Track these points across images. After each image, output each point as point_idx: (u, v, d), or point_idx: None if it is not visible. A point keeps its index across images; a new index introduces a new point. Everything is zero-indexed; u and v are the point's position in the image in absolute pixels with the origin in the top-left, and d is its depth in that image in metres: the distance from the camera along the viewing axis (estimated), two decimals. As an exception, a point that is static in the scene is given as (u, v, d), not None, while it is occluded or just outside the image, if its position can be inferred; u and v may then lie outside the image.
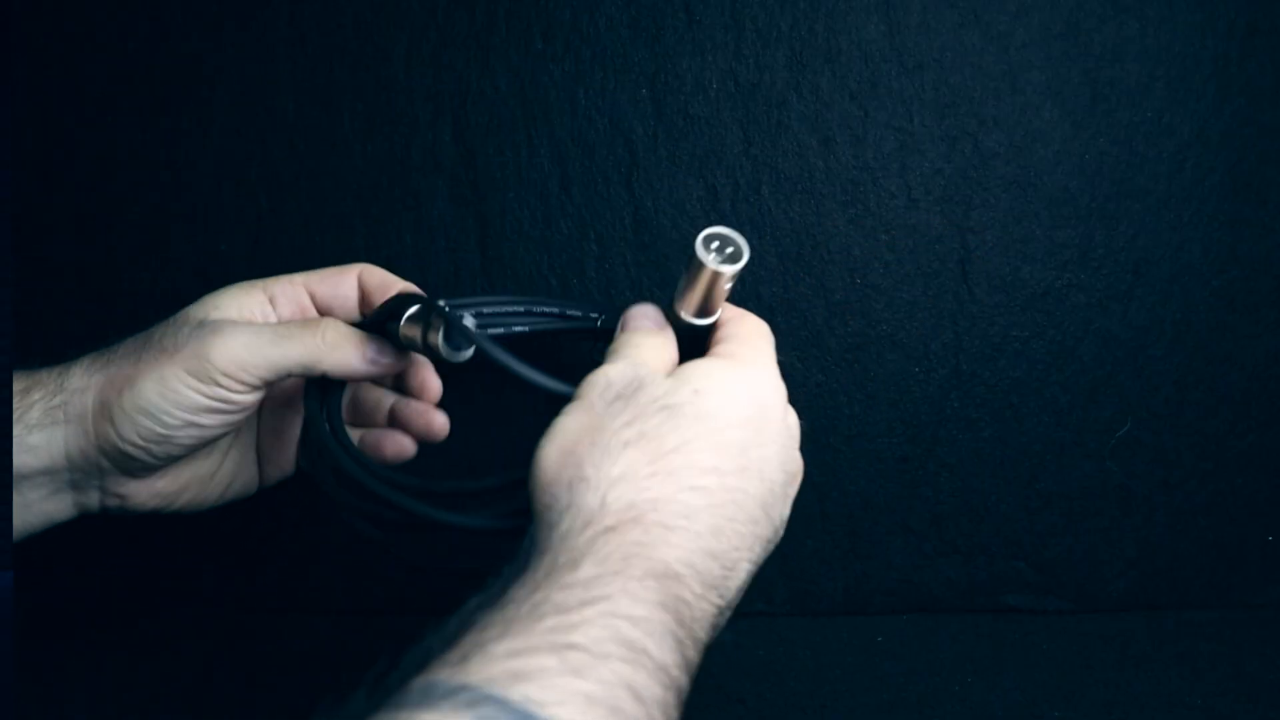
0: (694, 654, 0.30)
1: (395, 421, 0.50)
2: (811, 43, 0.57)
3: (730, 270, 0.39)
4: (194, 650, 0.59)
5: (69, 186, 0.59)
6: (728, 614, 0.35)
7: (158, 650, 0.59)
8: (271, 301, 0.45)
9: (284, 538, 0.61)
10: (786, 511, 0.38)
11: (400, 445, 0.49)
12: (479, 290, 0.59)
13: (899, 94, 0.57)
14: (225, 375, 0.40)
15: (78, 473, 0.42)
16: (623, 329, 0.41)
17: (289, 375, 0.42)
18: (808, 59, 0.57)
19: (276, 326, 0.42)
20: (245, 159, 0.59)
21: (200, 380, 0.40)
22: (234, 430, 0.45)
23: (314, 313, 0.47)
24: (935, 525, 0.61)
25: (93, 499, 0.43)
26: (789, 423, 0.38)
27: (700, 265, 0.39)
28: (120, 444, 0.41)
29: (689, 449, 0.33)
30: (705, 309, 0.41)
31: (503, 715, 0.22)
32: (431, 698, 0.23)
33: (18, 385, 0.41)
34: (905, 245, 0.59)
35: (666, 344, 0.40)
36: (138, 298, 0.59)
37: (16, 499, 0.41)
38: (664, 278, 0.59)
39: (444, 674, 0.24)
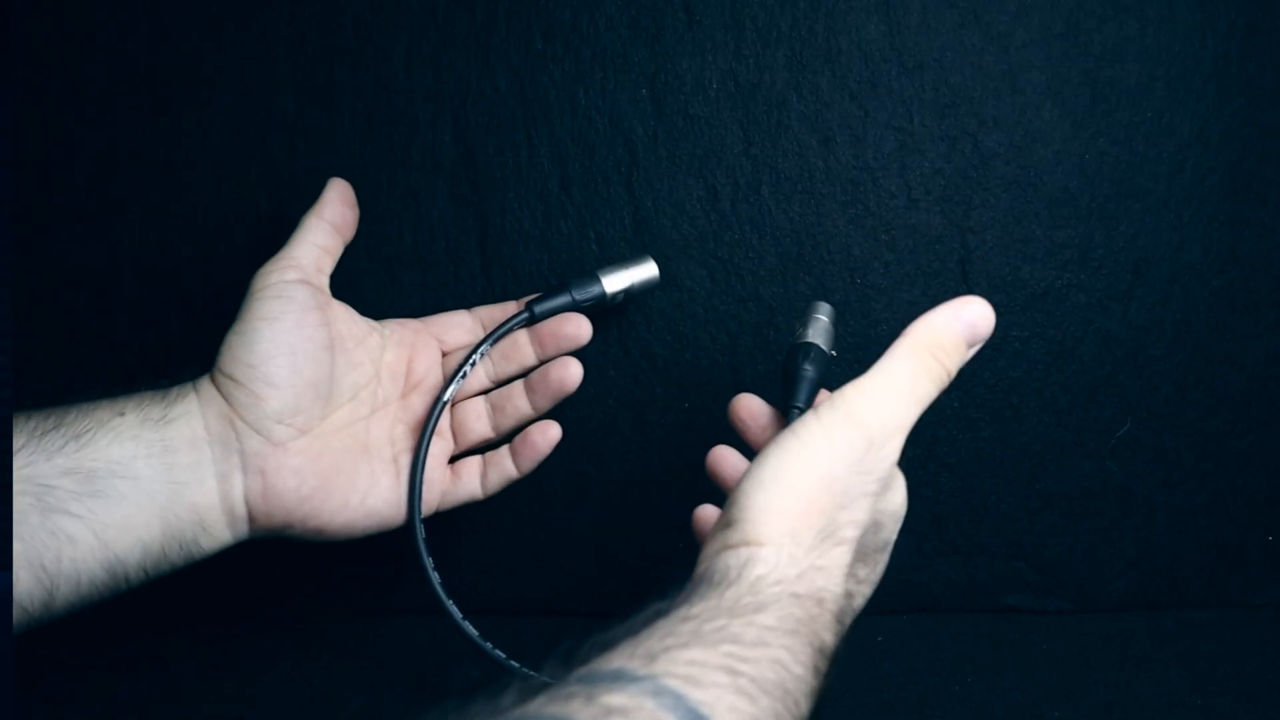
0: None
1: (531, 395, 0.52)
2: (811, 43, 0.57)
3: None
4: (195, 651, 0.59)
5: (69, 186, 0.59)
6: None
7: (158, 650, 0.59)
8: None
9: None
10: None
11: (546, 433, 0.52)
12: (479, 290, 0.59)
13: (899, 94, 0.57)
14: (290, 272, 0.47)
15: (218, 445, 0.44)
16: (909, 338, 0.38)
17: (324, 255, 0.49)
18: (808, 59, 0.57)
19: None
20: (245, 159, 0.59)
21: (277, 285, 0.46)
22: (360, 399, 0.50)
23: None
24: (935, 525, 0.61)
25: (236, 484, 0.45)
26: None
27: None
28: (241, 377, 0.44)
29: (873, 561, 0.38)
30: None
31: (679, 708, 0.25)
32: (622, 681, 0.26)
33: (153, 393, 0.45)
34: (905, 245, 0.59)
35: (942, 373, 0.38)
36: (138, 298, 0.59)
37: (163, 478, 0.43)
38: (663, 277, 0.59)
39: (633, 664, 0.27)
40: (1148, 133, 0.58)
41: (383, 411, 0.51)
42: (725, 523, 0.35)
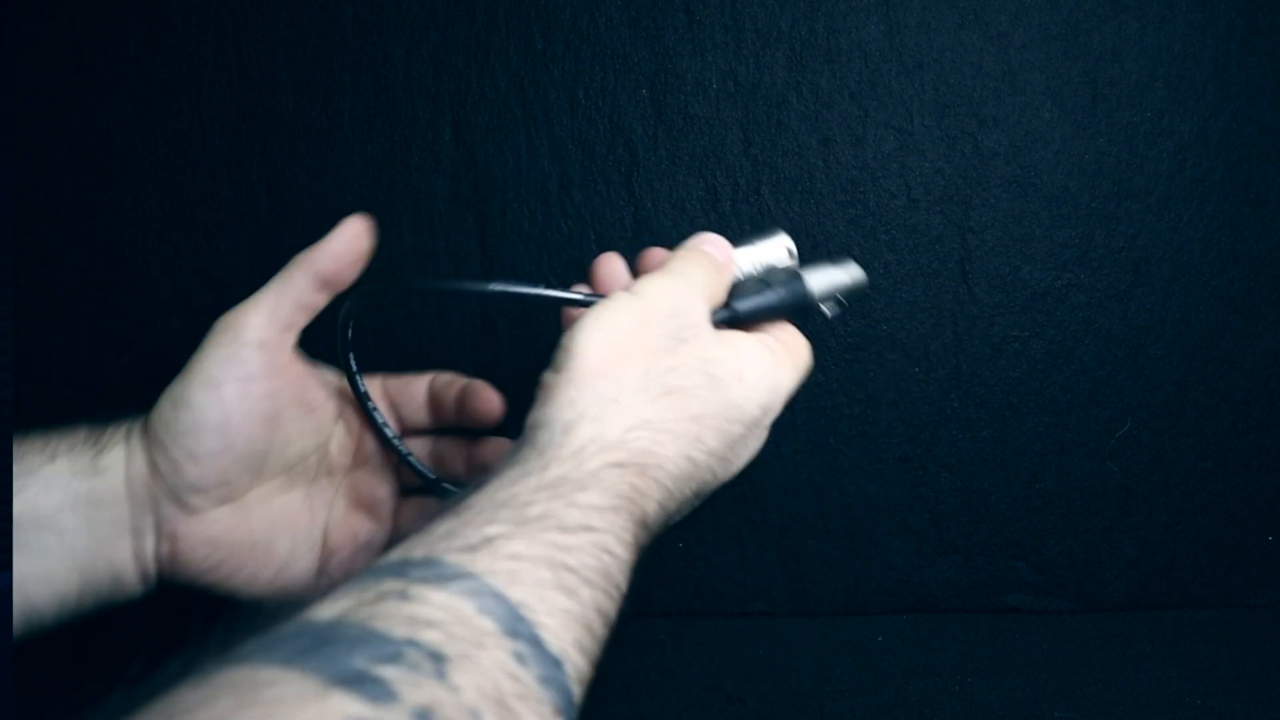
0: None
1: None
2: (811, 43, 0.57)
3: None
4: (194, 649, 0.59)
5: (69, 186, 0.59)
6: None
7: (156, 650, 0.59)
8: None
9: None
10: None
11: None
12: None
13: (899, 94, 0.57)
14: (248, 331, 0.41)
15: (136, 504, 0.41)
16: (686, 246, 0.42)
17: (298, 312, 0.43)
18: (808, 59, 0.57)
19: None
20: (245, 159, 0.59)
21: (230, 345, 0.41)
22: (293, 471, 0.45)
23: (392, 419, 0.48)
24: (935, 525, 0.61)
25: (148, 544, 0.42)
26: (766, 428, 0.41)
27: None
28: (167, 440, 0.41)
29: (704, 422, 0.36)
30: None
31: (499, 610, 0.25)
32: (443, 577, 0.25)
33: (87, 435, 0.42)
34: (905, 245, 0.59)
35: (722, 282, 0.42)
36: (138, 298, 0.59)
37: (85, 532, 0.41)
38: (664, 278, 0.59)
39: (452, 557, 0.27)
40: (1148, 133, 0.58)
41: (325, 481, 0.47)
42: (553, 364, 0.36)
